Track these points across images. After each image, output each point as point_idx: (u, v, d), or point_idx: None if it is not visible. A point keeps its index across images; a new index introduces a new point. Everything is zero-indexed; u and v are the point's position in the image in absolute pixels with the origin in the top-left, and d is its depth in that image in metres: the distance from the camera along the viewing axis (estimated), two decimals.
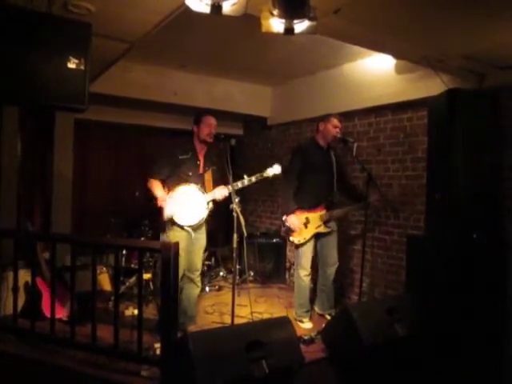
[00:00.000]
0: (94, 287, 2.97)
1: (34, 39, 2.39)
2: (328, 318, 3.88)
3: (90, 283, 2.98)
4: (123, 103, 5.16)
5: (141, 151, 6.01)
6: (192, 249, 3.44)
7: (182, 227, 3.36)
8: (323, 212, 3.81)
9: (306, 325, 3.81)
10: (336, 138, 3.84)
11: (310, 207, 3.79)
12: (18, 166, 4.01)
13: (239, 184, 3.40)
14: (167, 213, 3.29)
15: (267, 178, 3.48)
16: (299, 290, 3.91)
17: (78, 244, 3.33)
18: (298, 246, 3.85)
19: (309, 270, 3.86)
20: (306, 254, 3.83)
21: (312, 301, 4.11)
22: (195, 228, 3.41)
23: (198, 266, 3.55)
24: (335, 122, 3.84)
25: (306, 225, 3.77)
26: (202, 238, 3.53)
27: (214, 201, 3.45)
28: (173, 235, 3.29)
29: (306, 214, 3.79)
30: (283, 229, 3.95)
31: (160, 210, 3.36)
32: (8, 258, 3.29)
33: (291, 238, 3.82)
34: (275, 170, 3.47)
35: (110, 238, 4.33)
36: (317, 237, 3.88)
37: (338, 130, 3.84)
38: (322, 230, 3.82)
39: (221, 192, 3.40)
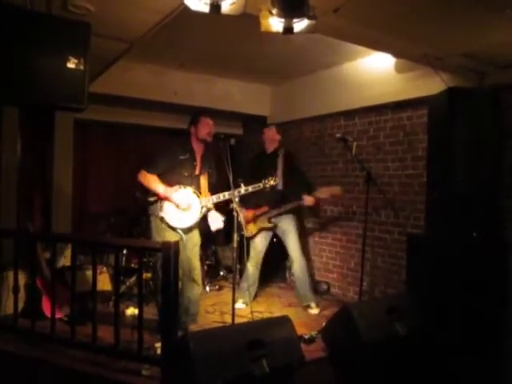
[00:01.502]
0: (94, 287, 2.97)
1: (33, 39, 2.39)
2: (308, 311, 4.24)
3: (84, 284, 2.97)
4: (123, 103, 5.16)
5: (141, 150, 6.00)
6: (186, 248, 3.42)
7: (174, 229, 3.36)
8: (266, 209, 4.34)
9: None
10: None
11: (256, 206, 4.36)
12: (18, 165, 4.01)
13: (235, 193, 3.43)
14: (181, 204, 3.31)
15: (264, 188, 3.70)
16: (244, 276, 4.42)
17: (79, 244, 3.33)
18: (248, 239, 4.35)
19: (255, 260, 4.37)
20: (254, 246, 4.39)
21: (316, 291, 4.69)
22: (186, 231, 3.42)
23: (195, 264, 3.54)
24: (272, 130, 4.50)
25: (254, 221, 4.36)
26: (194, 236, 3.54)
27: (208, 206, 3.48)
28: (168, 236, 3.28)
29: (252, 212, 4.37)
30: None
31: (150, 208, 3.38)
32: (8, 258, 3.29)
33: (242, 233, 4.28)
34: (271, 182, 3.74)
35: (111, 238, 4.34)
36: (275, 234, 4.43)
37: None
38: (266, 225, 4.34)
39: (215, 223, 3.53)
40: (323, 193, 4.28)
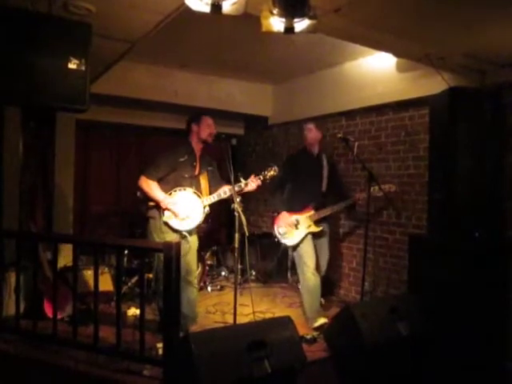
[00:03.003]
0: (96, 288, 2.97)
1: (34, 40, 2.39)
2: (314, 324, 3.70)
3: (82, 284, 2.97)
4: (124, 103, 5.17)
5: (142, 151, 6.02)
6: (187, 252, 3.40)
7: (177, 231, 3.35)
8: (311, 212, 3.85)
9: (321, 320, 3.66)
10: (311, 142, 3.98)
11: (299, 209, 3.86)
12: (20, 166, 4.01)
13: (236, 188, 3.37)
14: (180, 214, 3.29)
15: (265, 179, 3.52)
16: (308, 290, 3.77)
17: (80, 244, 3.33)
18: (294, 248, 3.87)
19: (314, 267, 3.78)
20: (308, 252, 3.80)
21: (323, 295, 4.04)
22: (190, 232, 3.41)
23: (193, 268, 3.54)
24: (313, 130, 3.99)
25: (296, 226, 3.82)
26: (194, 240, 3.53)
27: (210, 204, 3.45)
28: (169, 238, 3.24)
29: (295, 216, 3.84)
30: (276, 235, 3.94)
31: (150, 211, 3.37)
32: (10, 259, 3.29)
33: (283, 241, 3.86)
34: (272, 172, 3.53)
35: (112, 238, 4.33)
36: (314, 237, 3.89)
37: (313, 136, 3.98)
38: (314, 229, 3.84)
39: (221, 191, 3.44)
40: (381, 191, 3.89)
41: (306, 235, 3.82)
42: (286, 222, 3.82)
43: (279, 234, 3.86)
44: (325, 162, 4.02)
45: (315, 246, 3.88)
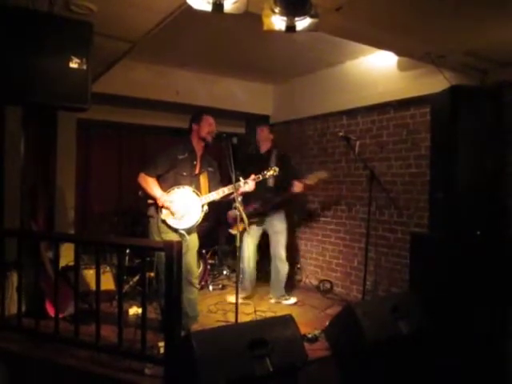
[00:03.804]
0: (97, 287, 2.97)
1: (35, 39, 2.40)
2: (282, 303, 4.40)
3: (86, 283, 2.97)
4: (125, 102, 5.17)
5: (143, 150, 6.01)
6: (186, 251, 3.39)
7: (176, 230, 3.34)
8: (257, 206, 4.33)
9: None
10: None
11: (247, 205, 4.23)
12: (21, 165, 4.02)
13: (235, 186, 3.36)
14: (177, 213, 3.29)
15: (264, 178, 3.64)
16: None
17: (82, 243, 3.34)
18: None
19: (247, 256, 4.40)
20: (245, 242, 4.38)
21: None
22: (189, 231, 3.41)
23: (194, 268, 3.54)
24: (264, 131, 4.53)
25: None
26: (194, 239, 3.53)
27: (209, 203, 3.45)
28: (169, 237, 3.24)
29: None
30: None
31: (150, 209, 3.38)
32: (12, 258, 3.29)
33: (230, 231, 4.43)
34: (271, 172, 3.70)
35: (114, 237, 4.34)
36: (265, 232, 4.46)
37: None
38: (254, 220, 4.31)
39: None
40: (311, 179, 4.27)
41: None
42: (232, 217, 4.31)
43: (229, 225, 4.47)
44: (273, 158, 4.41)
45: (270, 239, 4.47)
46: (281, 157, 4.48)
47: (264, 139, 4.54)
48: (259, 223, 4.41)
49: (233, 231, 4.35)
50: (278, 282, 4.46)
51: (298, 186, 4.21)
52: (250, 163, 4.37)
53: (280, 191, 4.33)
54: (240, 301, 4.02)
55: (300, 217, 5.51)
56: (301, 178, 4.32)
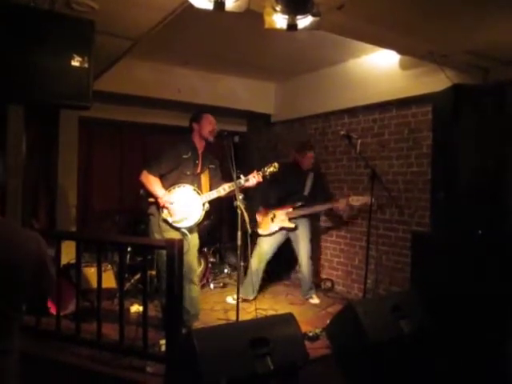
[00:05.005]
0: (99, 285, 2.98)
1: (37, 37, 2.39)
2: (310, 301, 4.52)
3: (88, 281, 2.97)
4: (127, 101, 5.17)
5: (145, 148, 6.02)
6: (187, 249, 3.41)
7: (177, 229, 3.34)
8: (289, 210, 4.42)
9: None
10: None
11: (278, 206, 4.46)
12: (23, 163, 4.02)
13: (237, 184, 3.35)
14: (176, 214, 3.28)
15: (264, 175, 3.60)
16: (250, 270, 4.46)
17: (83, 241, 3.34)
18: (260, 236, 4.50)
19: (262, 258, 4.43)
20: (267, 242, 4.46)
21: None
22: (190, 230, 3.41)
23: (195, 266, 3.55)
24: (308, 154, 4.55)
25: (272, 219, 4.45)
26: (193, 238, 3.52)
27: (211, 201, 3.45)
28: (170, 236, 3.23)
29: (273, 211, 4.47)
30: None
31: (151, 207, 3.37)
32: None
33: (258, 230, 4.46)
34: (271, 168, 3.64)
35: (115, 236, 4.35)
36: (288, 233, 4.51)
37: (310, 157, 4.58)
38: (287, 224, 4.42)
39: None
40: (357, 200, 4.30)
41: (279, 230, 4.44)
42: (263, 215, 4.49)
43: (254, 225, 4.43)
44: (311, 174, 4.59)
45: (293, 239, 4.52)
46: (317, 174, 4.72)
47: (309, 161, 4.58)
48: (289, 229, 4.47)
49: (260, 230, 4.47)
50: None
51: (342, 203, 4.35)
52: (290, 178, 4.48)
53: (312, 200, 4.48)
54: (240, 300, 4.07)
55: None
56: (333, 197, 4.62)
